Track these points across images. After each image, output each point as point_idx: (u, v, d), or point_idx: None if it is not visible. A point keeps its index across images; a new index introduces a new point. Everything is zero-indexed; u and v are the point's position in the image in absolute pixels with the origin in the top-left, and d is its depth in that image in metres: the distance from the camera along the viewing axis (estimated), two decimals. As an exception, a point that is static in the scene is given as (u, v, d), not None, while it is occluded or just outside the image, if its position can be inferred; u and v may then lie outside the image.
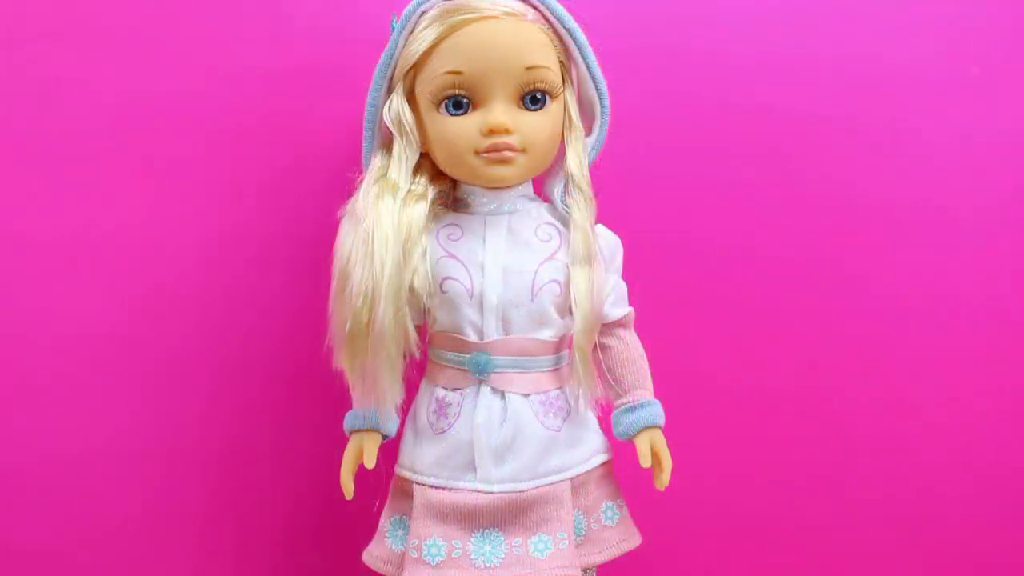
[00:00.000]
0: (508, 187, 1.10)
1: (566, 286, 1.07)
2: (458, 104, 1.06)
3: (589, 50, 1.10)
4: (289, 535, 1.34)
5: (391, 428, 1.13)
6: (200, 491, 1.33)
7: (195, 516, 1.33)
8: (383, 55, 1.09)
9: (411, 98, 1.09)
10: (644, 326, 1.17)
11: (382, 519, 1.13)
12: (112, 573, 1.32)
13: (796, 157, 1.33)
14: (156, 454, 1.32)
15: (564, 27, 1.08)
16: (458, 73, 1.05)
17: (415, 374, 1.10)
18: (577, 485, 1.10)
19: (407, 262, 1.04)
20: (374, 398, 1.05)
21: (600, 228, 1.12)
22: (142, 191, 1.29)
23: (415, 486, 1.09)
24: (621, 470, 1.16)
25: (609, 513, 1.13)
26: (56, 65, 1.26)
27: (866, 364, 1.36)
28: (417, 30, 1.06)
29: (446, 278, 1.07)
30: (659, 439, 1.12)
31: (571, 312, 1.08)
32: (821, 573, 1.38)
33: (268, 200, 1.30)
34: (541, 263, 1.08)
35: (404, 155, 1.08)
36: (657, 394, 1.15)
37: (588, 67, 1.10)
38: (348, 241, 1.04)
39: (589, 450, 1.12)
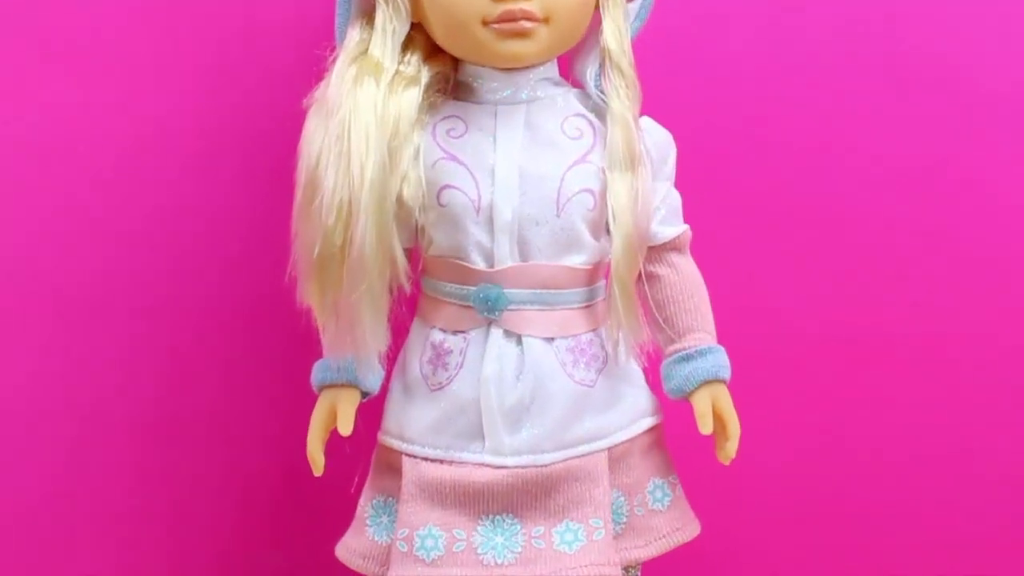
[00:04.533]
0: (526, 68, 1.02)
1: (602, 197, 1.00)
2: (460, -43, 1.00)
3: None
4: (240, 522, 1.29)
5: (373, 383, 1.06)
6: (122, 466, 1.26)
7: (116, 498, 1.26)
8: None
9: (399, -50, 1.03)
10: (702, 250, 1.09)
11: (361, 502, 1.06)
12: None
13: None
14: (62, 414, 1.24)
15: None
16: (461, -84, 0.98)
17: (405, 313, 1.03)
18: (616, 457, 1.03)
19: (394, 166, 0.98)
20: (351, 344, 0.99)
21: (647, 122, 1.04)
22: (57, 75, 1.21)
23: (405, 459, 1.02)
24: (673, 438, 1.09)
25: (659, 494, 1.06)
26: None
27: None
28: None
29: (445, 186, 1.00)
30: (723, 397, 1.05)
31: (608, 231, 1.01)
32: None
33: (211, 83, 1.24)
34: (569, 167, 1.00)
35: (390, 26, 1.00)
36: (721, 339, 1.07)
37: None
38: (317, 139, 0.98)
39: (632, 411, 1.05)
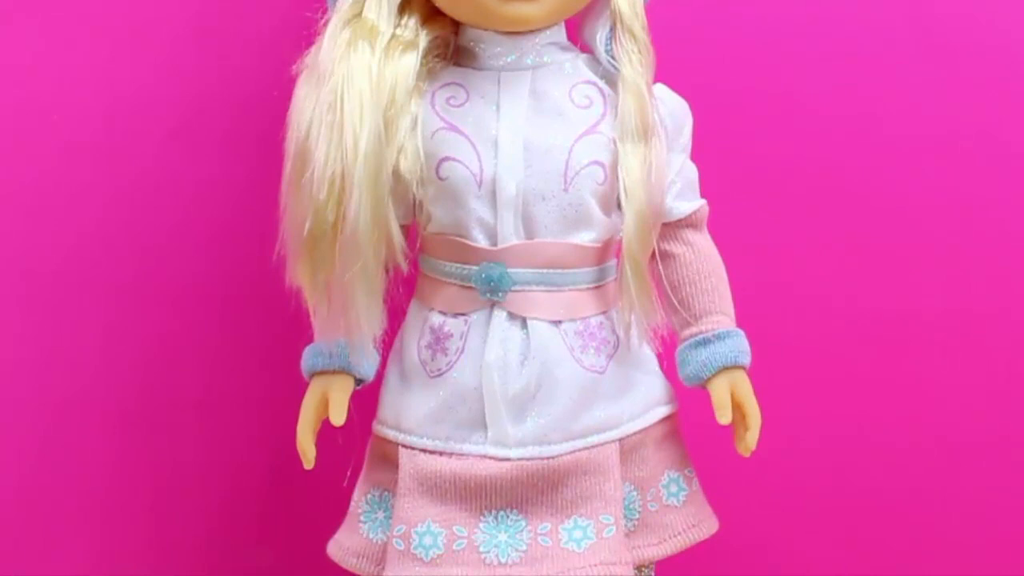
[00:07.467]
0: (531, 31, 1.00)
1: (613, 170, 0.98)
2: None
3: None
4: (225, 519, 1.28)
5: (368, 369, 1.04)
6: (99, 459, 1.22)
7: (93, 493, 1.22)
8: None
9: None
10: (720, 227, 1.08)
11: (355, 497, 1.05)
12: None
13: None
14: (34, 403, 1.19)
15: None
16: None
17: (401, 294, 1.01)
18: (628, 449, 1.01)
19: (390, 137, 0.96)
20: (344, 327, 0.97)
21: (661, 89, 1.02)
22: (27, 36, 1.16)
23: (402, 450, 1.01)
24: (689, 429, 1.07)
25: (673, 488, 1.05)
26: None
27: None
28: None
29: (445, 159, 0.98)
30: (743, 384, 1.03)
31: (620, 207, 0.99)
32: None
33: (194, 47, 1.21)
34: (578, 138, 0.98)
35: (386, -14, 1.02)
36: (740, 322, 1.06)
37: None
38: (308, 108, 0.96)
39: (645, 400, 1.03)
